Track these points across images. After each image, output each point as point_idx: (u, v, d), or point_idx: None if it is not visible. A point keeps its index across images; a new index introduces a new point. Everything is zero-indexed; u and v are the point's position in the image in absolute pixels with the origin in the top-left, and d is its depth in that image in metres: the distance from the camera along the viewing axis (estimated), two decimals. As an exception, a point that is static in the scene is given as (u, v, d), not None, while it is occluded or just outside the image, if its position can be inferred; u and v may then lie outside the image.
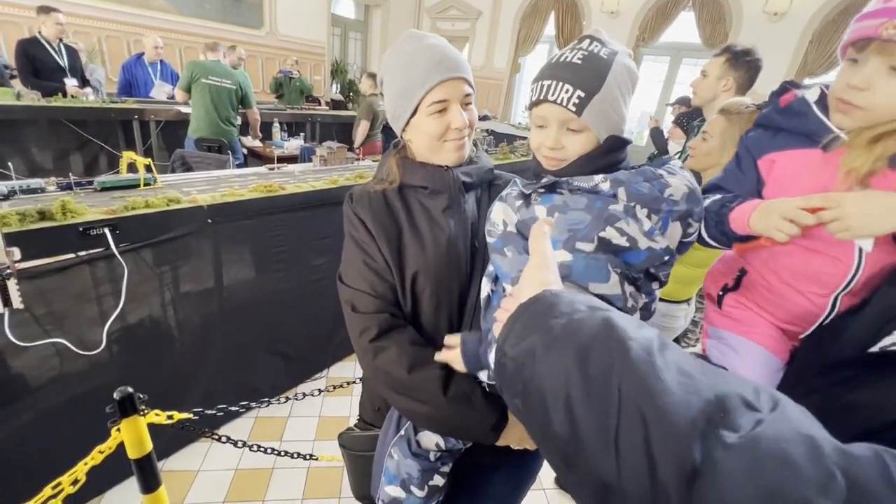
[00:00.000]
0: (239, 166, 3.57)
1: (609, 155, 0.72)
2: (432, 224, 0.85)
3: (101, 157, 3.88)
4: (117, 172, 2.00)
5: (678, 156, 2.31)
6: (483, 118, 6.48)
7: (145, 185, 1.87)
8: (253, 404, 1.29)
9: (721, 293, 0.92)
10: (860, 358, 0.68)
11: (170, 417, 1.03)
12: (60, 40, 3.71)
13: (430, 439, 0.84)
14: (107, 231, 1.46)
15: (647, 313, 0.72)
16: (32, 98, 3.33)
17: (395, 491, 0.84)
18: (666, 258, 0.67)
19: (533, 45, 7.48)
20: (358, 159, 3.09)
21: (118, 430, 0.93)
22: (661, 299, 1.27)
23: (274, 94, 5.65)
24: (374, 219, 0.84)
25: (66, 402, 1.52)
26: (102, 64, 4.94)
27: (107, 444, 0.92)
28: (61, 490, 0.85)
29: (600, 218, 0.64)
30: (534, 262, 0.53)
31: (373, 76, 4.30)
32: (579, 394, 0.36)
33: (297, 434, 2.08)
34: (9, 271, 1.24)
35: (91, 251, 1.47)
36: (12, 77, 3.68)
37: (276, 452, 1.25)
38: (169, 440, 1.84)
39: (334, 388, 1.51)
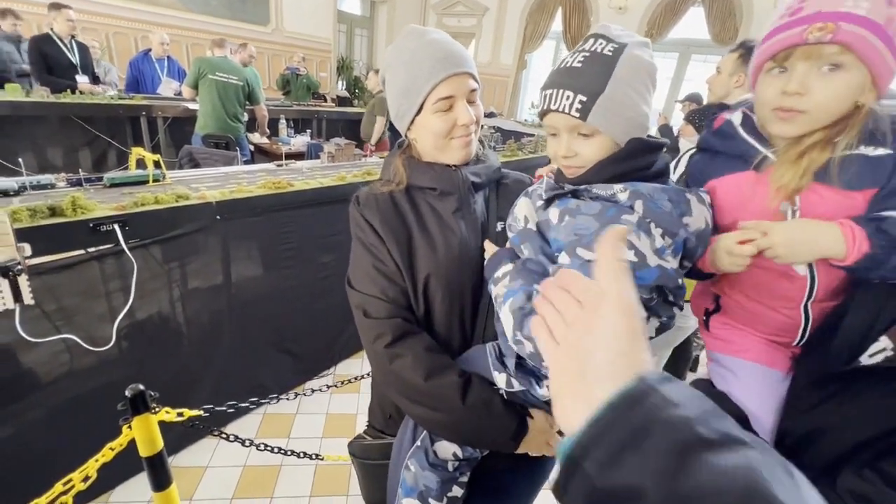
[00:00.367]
0: (246, 163, 3.57)
1: (632, 159, 0.68)
2: (443, 226, 0.83)
3: (109, 154, 3.89)
4: (126, 168, 2.00)
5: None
6: (489, 115, 6.45)
7: (154, 181, 1.87)
8: (263, 400, 1.29)
9: (706, 317, 0.92)
10: (846, 372, 0.67)
11: (180, 415, 1.02)
12: (72, 37, 3.72)
13: (448, 449, 0.82)
14: (117, 227, 1.46)
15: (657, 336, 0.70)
16: (42, 94, 3.35)
17: None
18: (679, 282, 0.63)
19: (540, 41, 7.43)
20: (365, 156, 3.08)
21: (129, 427, 0.92)
22: None
23: (281, 90, 5.65)
24: (383, 221, 0.82)
25: (77, 398, 1.53)
26: (110, 60, 4.96)
27: (118, 441, 0.91)
28: (72, 487, 0.85)
29: (610, 226, 0.60)
30: (613, 304, 0.37)
31: (380, 72, 4.28)
32: None
33: (304, 431, 2.08)
34: (19, 267, 1.24)
35: (101, 247, 1.47)
36: (20, 75, 3.69)
37: (283, 452, 1.24)
38: (178, 436, 1.84)
39: (342, 383, 1.50)
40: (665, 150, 0.72)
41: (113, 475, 1.65)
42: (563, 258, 0.64)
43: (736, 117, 0.79)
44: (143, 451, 0.96)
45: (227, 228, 1.82)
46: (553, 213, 0.68)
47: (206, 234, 1.77)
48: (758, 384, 0.80)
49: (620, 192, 0.64)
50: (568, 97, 0.66)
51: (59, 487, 0.86)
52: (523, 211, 0.74)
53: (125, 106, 3.71)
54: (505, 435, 0.76)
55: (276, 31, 6.59)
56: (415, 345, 0.78)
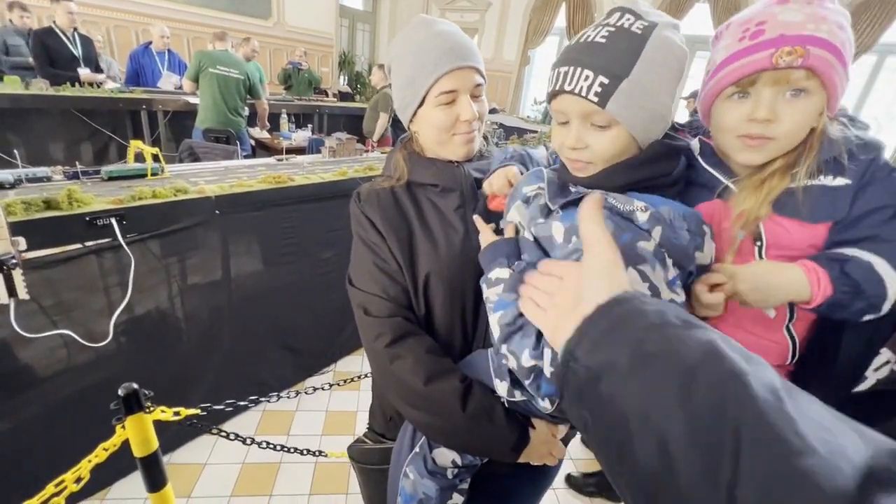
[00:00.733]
0: (247, 157, 3.54)
1: (654, 164, 0.61)
2: (444, 224, 0.80)
3: (110, 147, 3.87)
4: (125, 162, 1.97)
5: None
6: (492, 111, 6.41)
7: (153, 174, 1.84)
8: (262, 399, 1.26)
9: None
10: (859, 395, 0.67)
11: (176, 414, 1.00)
12: (75, 30, 3.70)
13: (447, 456, 0.79)
14: (113, 221, 1.43)
15: None
16: (41, 87, 3.32)
17: None
18: None
19: (543, 37, 7.37)
20: (367, 151, 3.05)
21: (123, 427, 0.90)
22: None
23: (282, 85, 5.61)
24: (384, 218, 0.79)
25: (73, 395, 1.50)
26: (111, 54, 4.93)
27: (111, 441, 0.89)
28: (64, 488, 0.83)
29: (624, 255, 0.50)
30: (597, 252, 0.44)
31: (383, 67, 4.26)
32: (680, 430, 0.30)
33: (304, 428, 2.06)
34: (14, 261, 1.22)
35: (97, 241, 1.45)
36: (14, 67, 3.66)
37: (283, 449, 1.22)
38: (176, 433, 1.82)
39: (344, 382, 1.47)
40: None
41: (109, 472, 1.63)
42: None
43: (694, 146, 0.75)
44: (137, 452, 0.94)
45: (226, 223, 1.80)
46: (556, 228, 0.60)
47: (205, 228, 1.75)
48: None
49: (641, 211, 0.56)
50: (587, 77, 0.57)
51: (50, 489, 0.83)
52: (516, 217, 0.67)
53: (125, 99, 3.68)
54: (505, 445, 0.73)
55: (277, 25, 6.55)
56: (416, 346, 0.76)
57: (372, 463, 0.93)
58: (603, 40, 0.57)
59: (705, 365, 0.32)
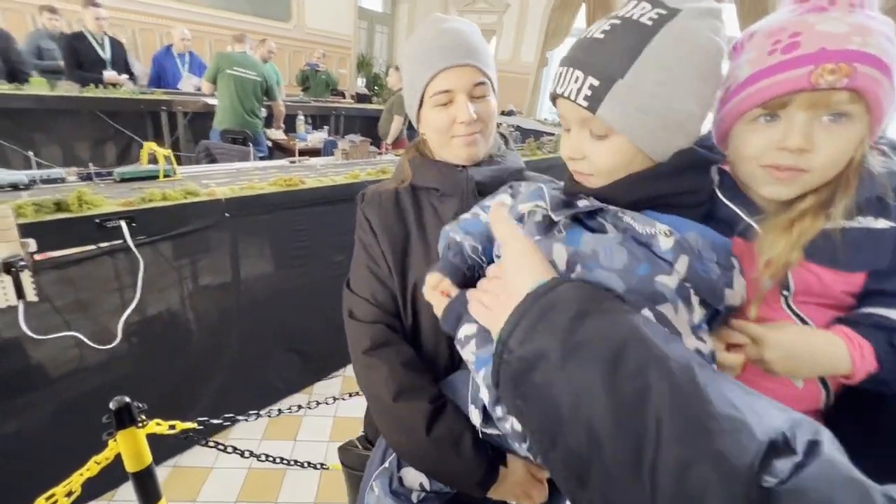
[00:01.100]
0: (262, 158, 3.56)
1: (677, 178, 0.52)
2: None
3: (132, 147, 3.93)
4: (139, 163, 1.98)
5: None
6: (509, 113, 6.34)
7: (165, 176, 1.85)
8: (262, 413, 1.23)
9: None
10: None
11: (172, 427, 0.97)
12: (105, 34, 3.81)
13: (415, 478, 0.73)
14: (123, 223, 1.43)
15: None
16: (67, 88, 3.40)
17: None
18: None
19: (562, 38, 7.27)
20: (381, 153, 3.02)
21: (115, 440, 0.88)
22: None
23: (300, 86, 5.65)
24: (381, 220, 0.78)
25: (79, 396, 1.50)
26: (136, 57, 5.03)
27: (103, 454, 0.87)
28: (55, 502, 0.81)
29: (639, 292, 0.44)
30: (517, 248, 0.46)
31: (400, 69, 4.24)
32: (606, 415, 0.32)
33: (312, 434, 2.04)
34: (23, 263, 1.21)
35: (107, 243, 1.45)
36: (45, 71, 3.76)
37: (284, 462, 1.19)
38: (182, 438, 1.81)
39: (350, 395, 1.44)
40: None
41: (108, 480, 1.62)
42: None
43: (713, 178, 0.64)
44: (129, 467, 0.91)
45: (236, 226, 1.79)
46: (558, 252, 0.50)
47: (215, 231, 1.74)
48: None
49: (664, 236, 0.47)
50: (577, 79, 0.50)
51: (41, 502, 0.81)
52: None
53: (146, 101, 3.74)
54: (470, 479, 0.67)
55: (297, 28, 6.60)
56: (392, 357, 0.73)
57: (357, 469, 0.90)
58: (601, 35, 0.50)
59: (629, 351, 0.34)
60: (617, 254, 0.46)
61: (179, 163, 1.95)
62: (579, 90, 0.50)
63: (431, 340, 0.77)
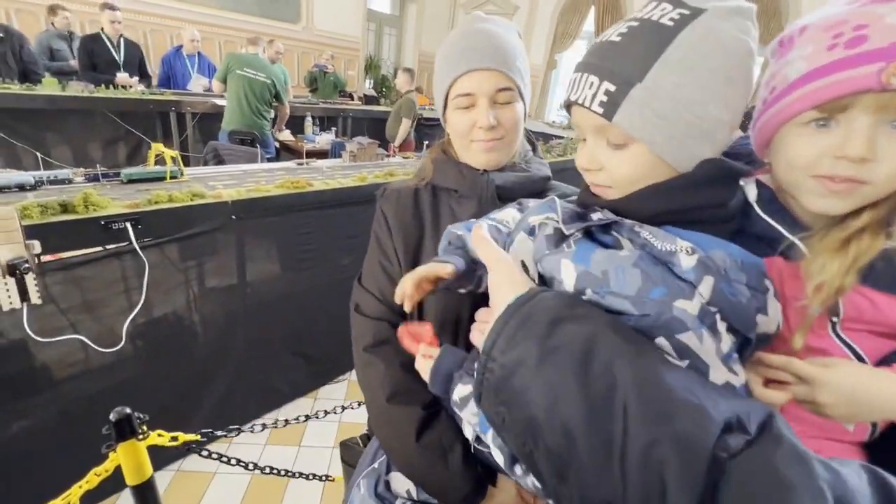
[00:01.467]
0: (271, 160, 3.56)
1: (702, 190, 0.47)
2: None
3: (142, 148, 3.95)
4: (146, 164, 1.98)
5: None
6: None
7: (172, 177, 1.83)
8: (267, 423, 1.21)
9: None
10: None
11: (174, 439, 0.95)
12: (121, 36, 3.87)
13: (403, 484, 0.71)
14: (128, 225, 1.41)
15: None
16: (78, 89, 3.42)
17: None
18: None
19: (571, 41, 7.23)
20: (389, 156, 3.00)
21: (115, 451, 0.85)
22: None
23: (308, 87, 5.65)
24: (396, 216, 0.77)
25: (83, 399, 1.49)
26: (148, 57, 5.06)
27: (104, 466, 0.85)
28: (53, 514, 0.79)
29: (654, 320, 0.40)
30: (500, 269, 0.48)
31: (409, 71, 4.23)
32: (579, 412, 0.35)
33: (316, 439, 2.01)
34: (27, 265, 1.20)
35: (112, 245, 1.43)
36: (57, 73, 3.79)
37: (288, 474, 1.16)
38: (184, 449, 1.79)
39: (359, 404, 1.41)
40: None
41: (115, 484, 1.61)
42: None
43: (749, 191, 0.58)
44: (130, 480, 0.89)
45: (242, 228, 1.77)
46: (566, 269, 0.46)
47: (221, 233, 1.72)
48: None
49: (685, 254, 0.42)
50: (591, 85, 0.47)
51: (39, 514, 0.79)
52: (520, 257, 0.52)
53: (155, 101, 3.76)
54: (456, 493, 0.65)
55: (306, 29, 6.62)
56: (391, 356, 0.72)
57: (356, 466, 0.88)
58: (618, 38, 0.47)
59: (597, 350, 0.37)
60: (629, 276, 0.42)
61: (187, 164, 1.94)
62: (594, 96, 0.47)
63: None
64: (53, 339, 1.34)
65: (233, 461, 1.05)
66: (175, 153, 1.82)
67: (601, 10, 6.75)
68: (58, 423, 1.45)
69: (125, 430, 0.85)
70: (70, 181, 1.65)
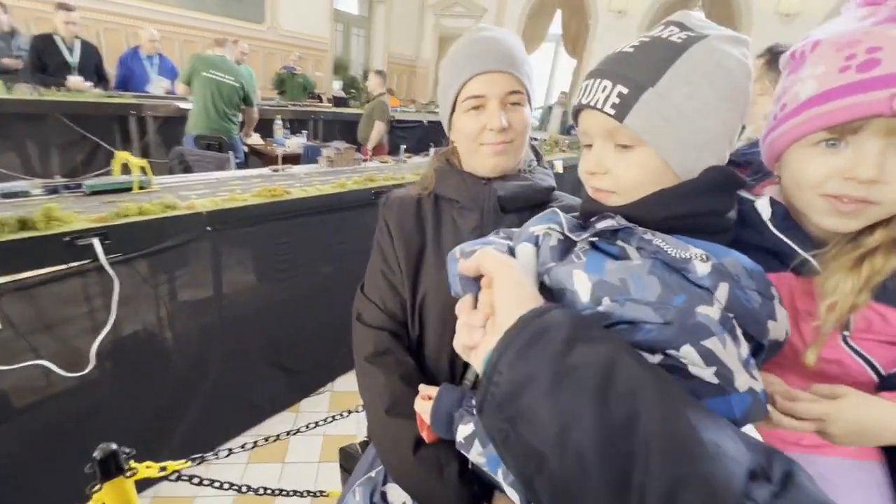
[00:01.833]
0: (240, 165, 3.43)
1: (706, 196, 0.48)
2: (458, 243, 0.73)
3: (98, 154, 3.72)
4: (108, 173, 1.86)
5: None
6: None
7: (140, 188, 1.74)
8: (248, 442, 1.16)
9: None
10: None
11: (163, 469, 0.89)
12: (76, 38, 3.66)
13: (399, 497, 0.70)
14: (96, 241, 1.32)
15: None
16: (23, 91, 3.19)
17: None
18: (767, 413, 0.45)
19: (538, 43, 7.36)
20: (366, 160, 2.95)
21: (101, 489, 0.79)
22: None
23: (276, 90, 5.50)
24: (399, 225, 0.77)
25: (50, 428, 1.38)
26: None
27: (87, 506, 0.78)
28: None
29: (680, 327, 0.40)
30: (506, 275, 0.45)
31: (380, 73, 4.18)
32: (594, 440, 0.33)
33: (300, 455, 1.95)
34: (-17, 288, 1.11)
35: (77, 263, 1.34)
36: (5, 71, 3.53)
37: (271, 493, 1.11)
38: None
39: (345, 413, 1.38)
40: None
41: None
42: None
43: (762, 207, 0.59)
44: (117, 519, 0.83)
45: (218, 240, 1.69)
46: (579, 279, 0.46)
47: (196, 246, 1.64)
48: (854, 482, 0.62)
49: (700, 261, 0.42)
50: (604, 88, 0.49)
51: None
52: (524, 267, 0.52)
53: (113, 104, 3.55)
54: None
55: (270, 30, 6.45)
56: (391, 367, 0.72)
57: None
58: (631, 49, 0.50)
59: (618, 375, 0.35)
60: (648, 283, 0.42)
61: (152, 170, 1.84)
62: (607, 98, 0.49)
63: (434, 355, 0.76)
64: (13, 367, 1.24)
65: (216, 484, 1.00)
66: (144, 162, 1.72)
67: (567, 12, 6.90)
68: (21, 458, 1.35)
69: (110, 468, 0.78)
70: (27, 194, 1.53)
